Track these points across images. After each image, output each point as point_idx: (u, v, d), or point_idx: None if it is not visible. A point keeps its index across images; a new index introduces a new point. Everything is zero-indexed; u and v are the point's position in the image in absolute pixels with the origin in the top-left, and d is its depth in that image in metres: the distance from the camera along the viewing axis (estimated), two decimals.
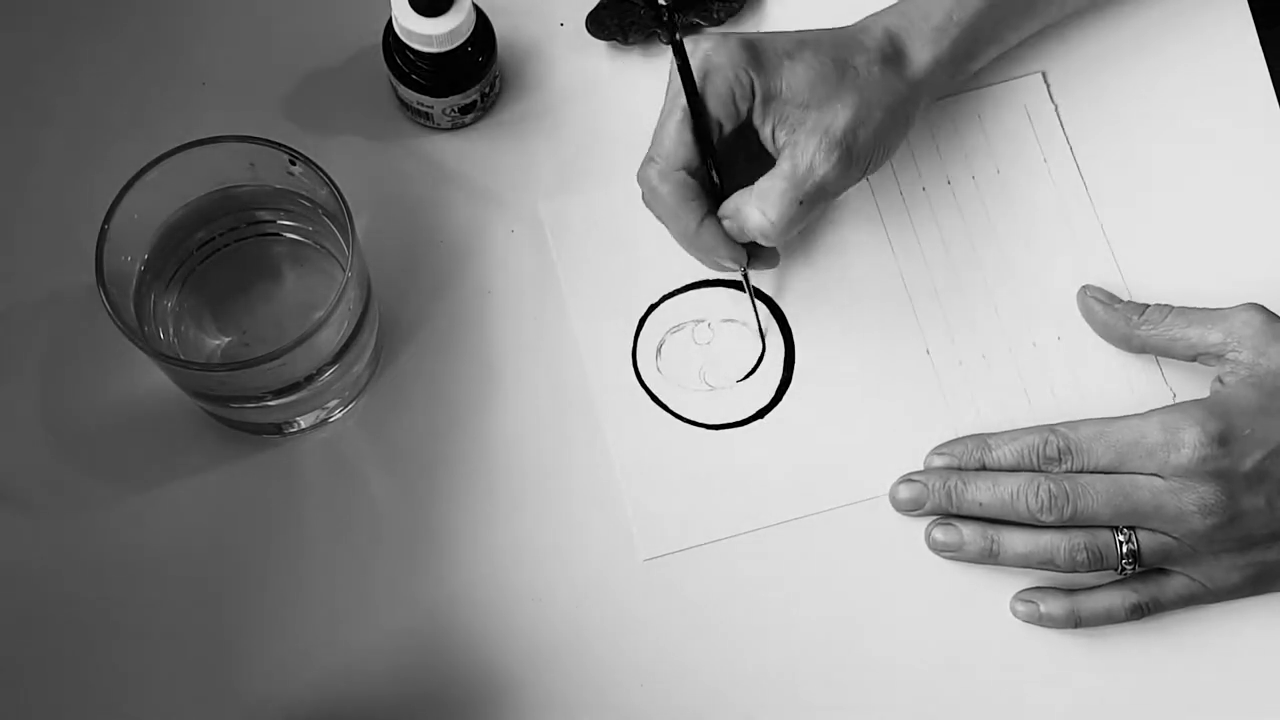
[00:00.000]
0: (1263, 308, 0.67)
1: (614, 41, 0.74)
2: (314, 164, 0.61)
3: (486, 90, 0.72)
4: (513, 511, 0.68)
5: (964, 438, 0.69)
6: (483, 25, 0.71)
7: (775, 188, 0.64)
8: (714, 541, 0.68)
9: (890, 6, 0.69)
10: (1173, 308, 0.69)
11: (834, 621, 0.68)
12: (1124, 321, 0.70)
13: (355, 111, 0.73)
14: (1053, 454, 0.66)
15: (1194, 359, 0.68)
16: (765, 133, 0.66)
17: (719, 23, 0.75)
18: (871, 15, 0.69)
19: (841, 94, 0.65)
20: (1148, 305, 0.69)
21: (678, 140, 0.65)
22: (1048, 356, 0.71)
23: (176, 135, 0.61)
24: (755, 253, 0.68)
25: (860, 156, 0.65)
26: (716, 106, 0.64)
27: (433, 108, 0.71)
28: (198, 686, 0.65)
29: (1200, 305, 0.69)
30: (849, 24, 0.69)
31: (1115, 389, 0.71)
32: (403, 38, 0.68)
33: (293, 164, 0.62)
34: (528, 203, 0.73)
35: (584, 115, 0.74)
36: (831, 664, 0.67)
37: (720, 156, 0.66)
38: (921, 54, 0.68)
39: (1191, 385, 0.70)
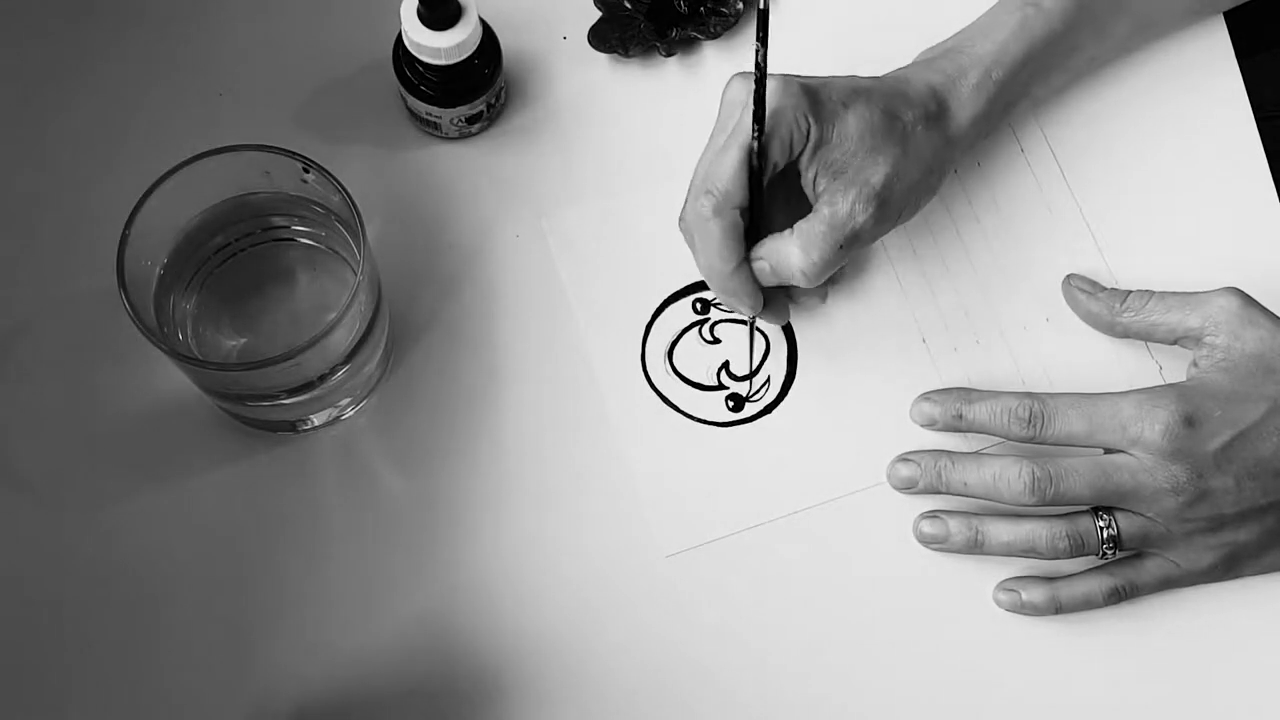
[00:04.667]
0: (1240, 292, 0.68)
1: (615, 54, 0.75)
2: (327, 172, 0.61)
3: (492, 101, 0.73)
4: (521, 507, 0.69)
5: (950, 389, 0.69)
6: (489, 39, 0.71)
7: (817, 230, 0.64)
8: (731, 534, 0.69)
9: (929, 61, 0.69)
10: (1153, 293, 0.70)
11: (846, 609, 0.68)
12: (1107, 309, 0.70)
13: (366, 121, 0.74)
14: (1024, 415, 0.66)
15: (1175, 342, 0.69)
16: (808, 177, 0.65)
17: (715, 37, 0.75)
18: (910, 68, 0.69)
19: (886, 147, 0.65)
20: (1129, 292, 0.70)
21: (736, 178, 0.63)
22: (1038, 339, 0.72)
23: (195, 144, 0.62)
24: (769, 303, 0.68)
25: (895, 209, 0.65)
26: (774, 148, 0.64)
27: (441, 118, 0.72)
28: (211, 677, 0.66)
29: (1182, 288, 0.69)
30: (888, 74, 0.68)
31: (1105, 368, 0.72)
32: (412, 51, 0.69)
33: (306, 172, 0.62)
34: (532, 208, 0.73)
35: (586, 125, 0.74)
36: (838, 652, 0.68)
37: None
38: (962, 112, 0.68)
39: (1179, 364, 0.71)
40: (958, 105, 0.68)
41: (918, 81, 0.68)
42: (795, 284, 0.65)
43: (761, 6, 0.60)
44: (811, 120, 0.64)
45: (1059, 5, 0.69)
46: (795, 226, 0.65)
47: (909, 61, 0.71)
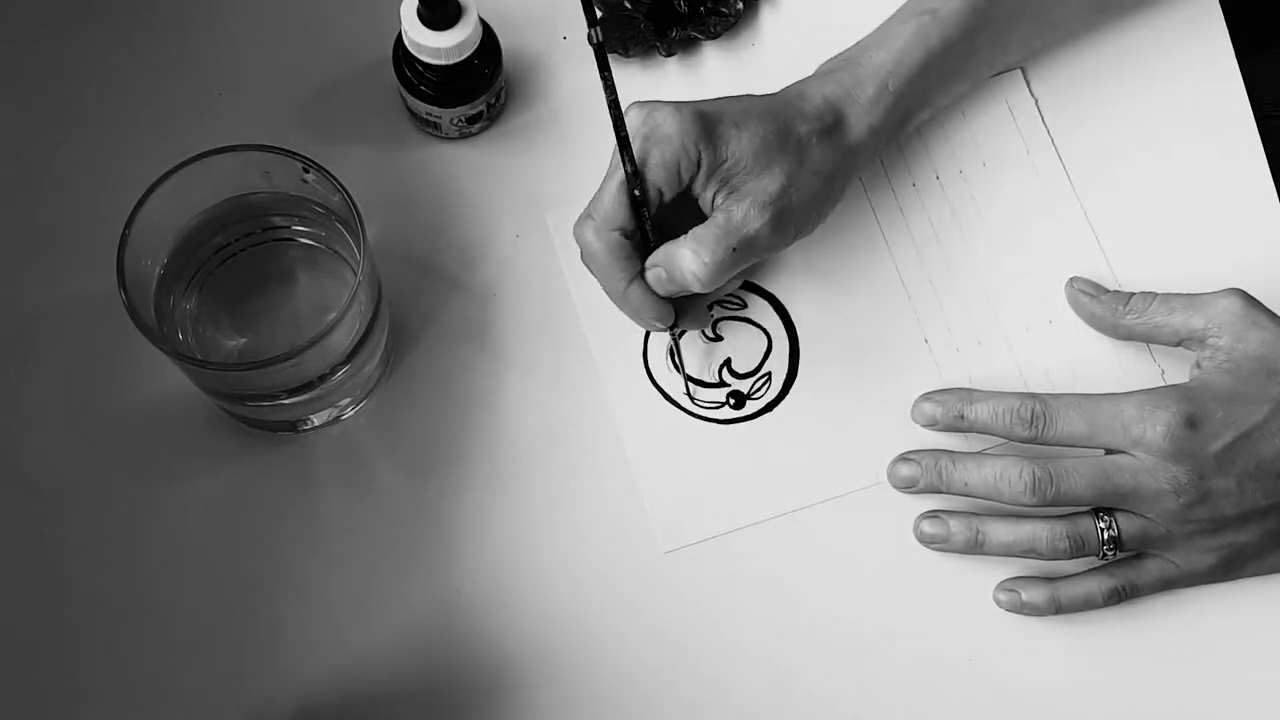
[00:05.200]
0: (1243, 293, 0.68)
1: (615, 54, 0.75)
2: (327, 172, 0.61)
3: (492, 101, 0.73)
4: (522, 506, 0.69)
5: (951, 389, 0.70)
6: (489, 39, 0.71)
7: (710, 234, 0.64)
8: (732, 531, 0.69)
9: (827, 73, 0.69)
10: (1156, 295, 0.70)
11: (846, 607, 0.68)
12: (1110, 312, 0.70)
13: (366, 121, 0.74)
14: (1026, 416, 0.66)
15: (1178, 344, 0.69)
16: (706, 197, 0.66)
17: (715, 37, 0.75)
18: (808, 81, 0.69)
19: (780, 160, 0.65)
20: (1133, 294, 0.70)
21: (615, 201, 0.65)
22: (1040, 340, 0.72)
23: (195, 144, 0.62)
24: (684, 311, 0.68)
25: (792, 219, 0.66)
26: (660, 175, 0.64)
27: (441, 118, 0.72)
28: (213, 676, 0.66)
29: (1185, 289, 0.69)
30: (787, 88, 0.69)
31: (1106, 370, 0.72)
32: (412, 51, 0.69)
33: (306, 172, 0.62)
34: (532, 208, 0.73)
35: (585, 125, 0.74)
36: (837, 651, 0.68)
37: (658, 220, 0.66)
38: (859, 124, 0.68)
39: (1180, 366, 0.71)
40: (855, 117, 0.68)
41: (814, 95, 0.68)
42: (691, 289, 0.65)
43: (592, 42, 0.61)
44: (702, 147, 0.64)
45: (954, 13, 0.69)
46: (689, 232, 0.65)
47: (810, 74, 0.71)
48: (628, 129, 0.64)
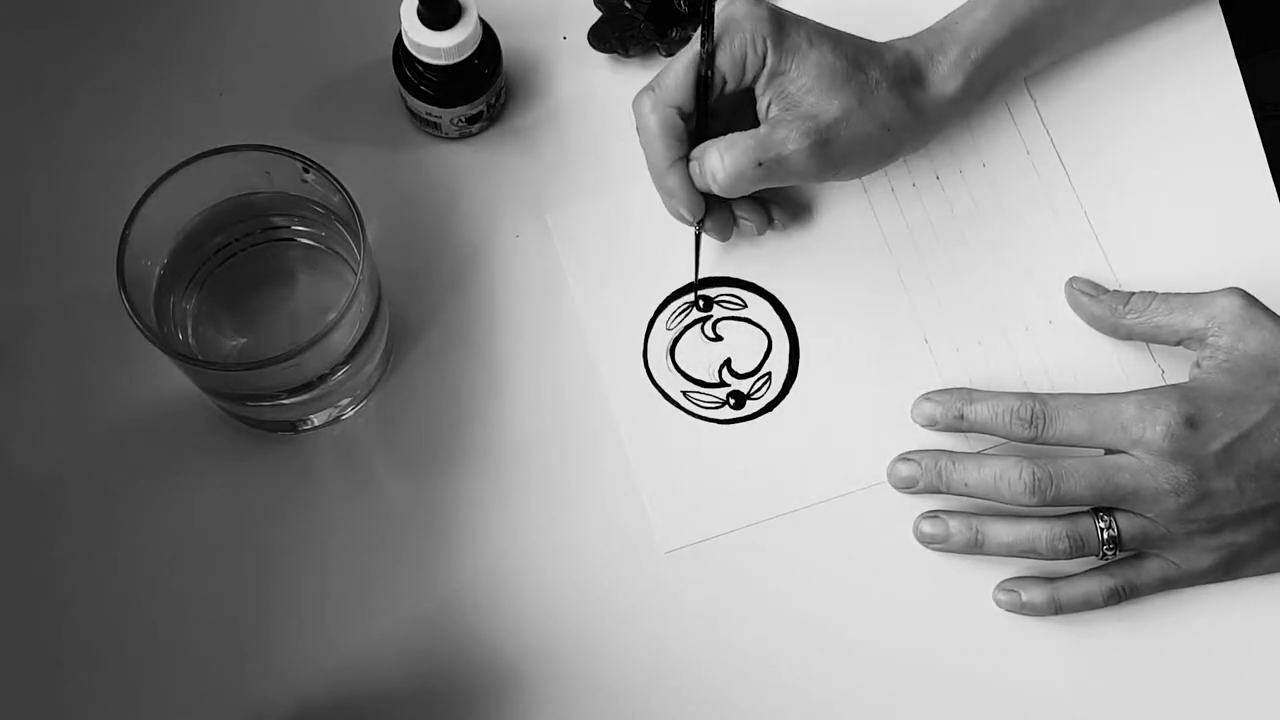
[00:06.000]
0: (1243, 292, 0.68)
1: (615, 54, 0.75)
2: (327, 172, 0.61)
3: (493, 101, 0.73)
4: (521, 506, 0.69)
5: (951, 389, 0.70)
6: (489, 39, 0.71)
7: (741, 141, 0.65)
8: (732, 531, 0.69)
9: (912, 36, 0.70)
10: (1156, 294, 0.70)
11: (845, 607, 0.68)
12: (1110, 311, 0.70)
13: (366, 121, 0.74)
14: (1026, 416, 0.66)
15: (1178, 344, 0.69)
16: (762, 104, 0.67)
17: None
18: (896, 40, 0.69)
19: (841, 92, 0.66)
20: (1132, 294, 0.70)
21: (680, 80, 0.66)
22: (1040, 340, 0.72)
23: (195, 144, 0.62)
24: (711, 213, 0.69)
25: (834, 155, 0.66)
26: (725, 62, 0.65)
27: (441, 118, 0.72)
28: (211, 677, 0.66)
29: (1185, 289, 0.69)
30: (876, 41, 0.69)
31: (1106, 369, 0.72)
32: (412, 51, 0.69)
33: (306, 172, 0.62)
34: (532, 208, 0.73)
35: (585, 124, 0.74)
36: (836, 652, 0.68)
37: (718, 112, 0.67)
38: (935, 85, 0.69)
39: (1180, 365, 0.71)
40: (935, 78, 0.69)
41: (897, 48, 0.69)
42: (712, 189, 0.66)
43: None
44: (770, 45, 0.65)
45: None
46: (728, 135, 0.66)
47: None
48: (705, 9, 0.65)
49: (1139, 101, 0.76)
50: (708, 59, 0.65)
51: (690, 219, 0.69)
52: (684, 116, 0.67)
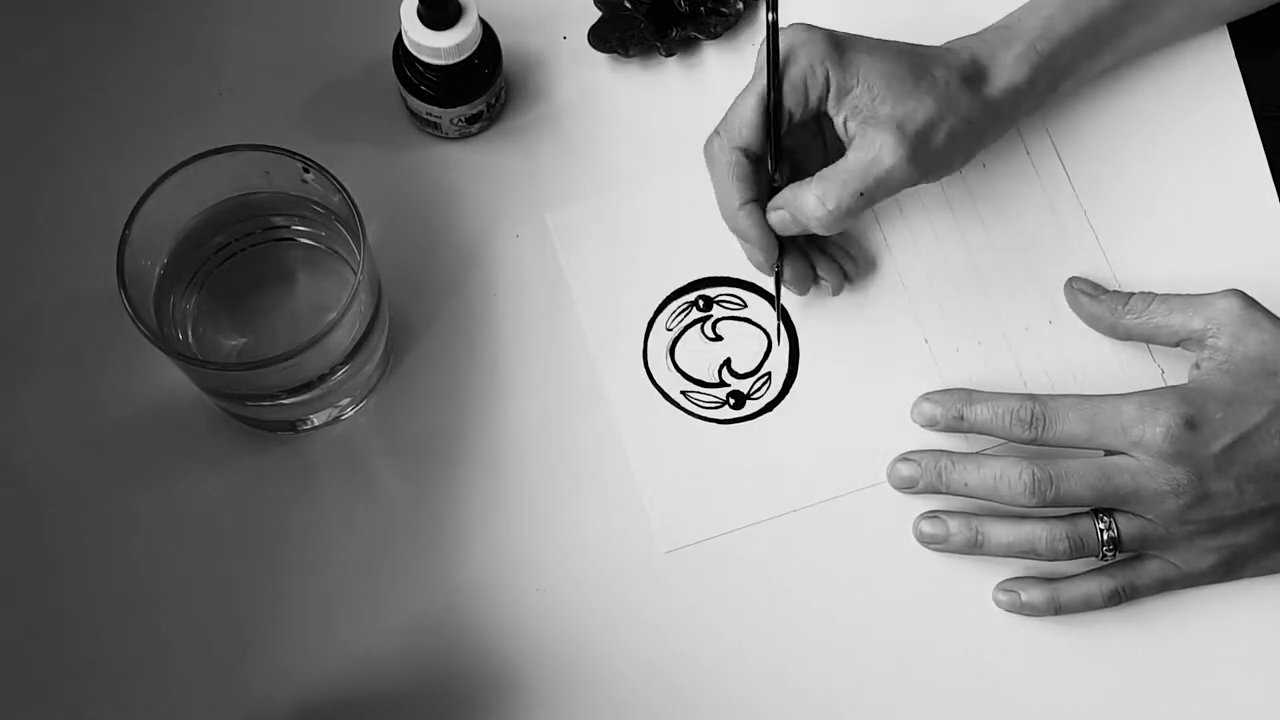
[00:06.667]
0: (1243, 294, 0.67)
1: (615, 54, 0.75)
2: (327, 172, 0.61)
3: (493, 101, 0.73)
4: (521, 506, 0.69)
5: (951, 389, 0.70)
6: (489, 39, 0.71)
7: (838, 175, 0.65)
8: (732, 531, 0.69)
9: (975, 35, 0.70)
10: (1155, 295, 0.70)
11: (845, 608, 0.68)
12: (1109, 312, 0.70)
13: (367, 121, 0.74)
14: (1026, 417, 0.66)
15: (1177, 345, 0.69)
16: (839, 121, 0.66)
17: (715, 36, 0.75)
18: (957, 40, 0.70)
19: (919, 94, 0.65)
20: (1132, 294, 0.70)
21: (747, 120, 0.66)
22: (1040, 340, 0.72)
23: (195, 144, 0.62)
24: (790, 263, 0.69)
25: (930, 157, 0.66)
26: (787, 91, 0.65)
27: (441, 118, 0.72)
28: (212, 674, 0.66)
29: (1185, 289, 0.69)
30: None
31: (1106, 369, 0.72)
32: (412, 51, 0.69)
33: (306, 172, 0.62)
34: (532, 208, 0.73)
35: (586, 124, 0.74)
36: (836, 651, 0.68)
37: (789, 147, 0.67)
38: (1000, 78, 0.68)
39: (1181, 367, 0.70)
40: (997, 71, 0.68)
41: (959, 48, 0.69)
42: (813, 230, 0.66)
43: None
44: (830, 66, 0.65)
45: None
46: (817, 174, 0.65)
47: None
48: (769, 47, 0.65)
49: (1139, 102, 0.76)
50: (774, 98, 0.65)
51: (766, 262, 0.68)
52: (749, 156, 0.67)
